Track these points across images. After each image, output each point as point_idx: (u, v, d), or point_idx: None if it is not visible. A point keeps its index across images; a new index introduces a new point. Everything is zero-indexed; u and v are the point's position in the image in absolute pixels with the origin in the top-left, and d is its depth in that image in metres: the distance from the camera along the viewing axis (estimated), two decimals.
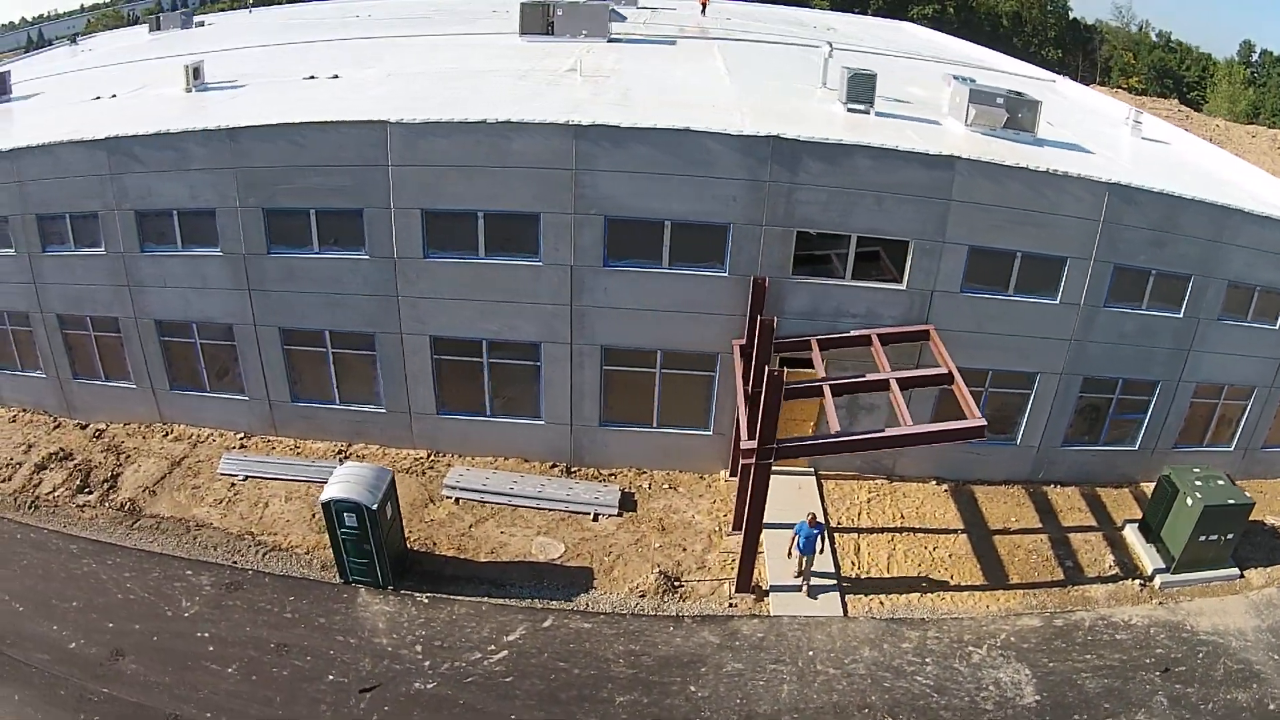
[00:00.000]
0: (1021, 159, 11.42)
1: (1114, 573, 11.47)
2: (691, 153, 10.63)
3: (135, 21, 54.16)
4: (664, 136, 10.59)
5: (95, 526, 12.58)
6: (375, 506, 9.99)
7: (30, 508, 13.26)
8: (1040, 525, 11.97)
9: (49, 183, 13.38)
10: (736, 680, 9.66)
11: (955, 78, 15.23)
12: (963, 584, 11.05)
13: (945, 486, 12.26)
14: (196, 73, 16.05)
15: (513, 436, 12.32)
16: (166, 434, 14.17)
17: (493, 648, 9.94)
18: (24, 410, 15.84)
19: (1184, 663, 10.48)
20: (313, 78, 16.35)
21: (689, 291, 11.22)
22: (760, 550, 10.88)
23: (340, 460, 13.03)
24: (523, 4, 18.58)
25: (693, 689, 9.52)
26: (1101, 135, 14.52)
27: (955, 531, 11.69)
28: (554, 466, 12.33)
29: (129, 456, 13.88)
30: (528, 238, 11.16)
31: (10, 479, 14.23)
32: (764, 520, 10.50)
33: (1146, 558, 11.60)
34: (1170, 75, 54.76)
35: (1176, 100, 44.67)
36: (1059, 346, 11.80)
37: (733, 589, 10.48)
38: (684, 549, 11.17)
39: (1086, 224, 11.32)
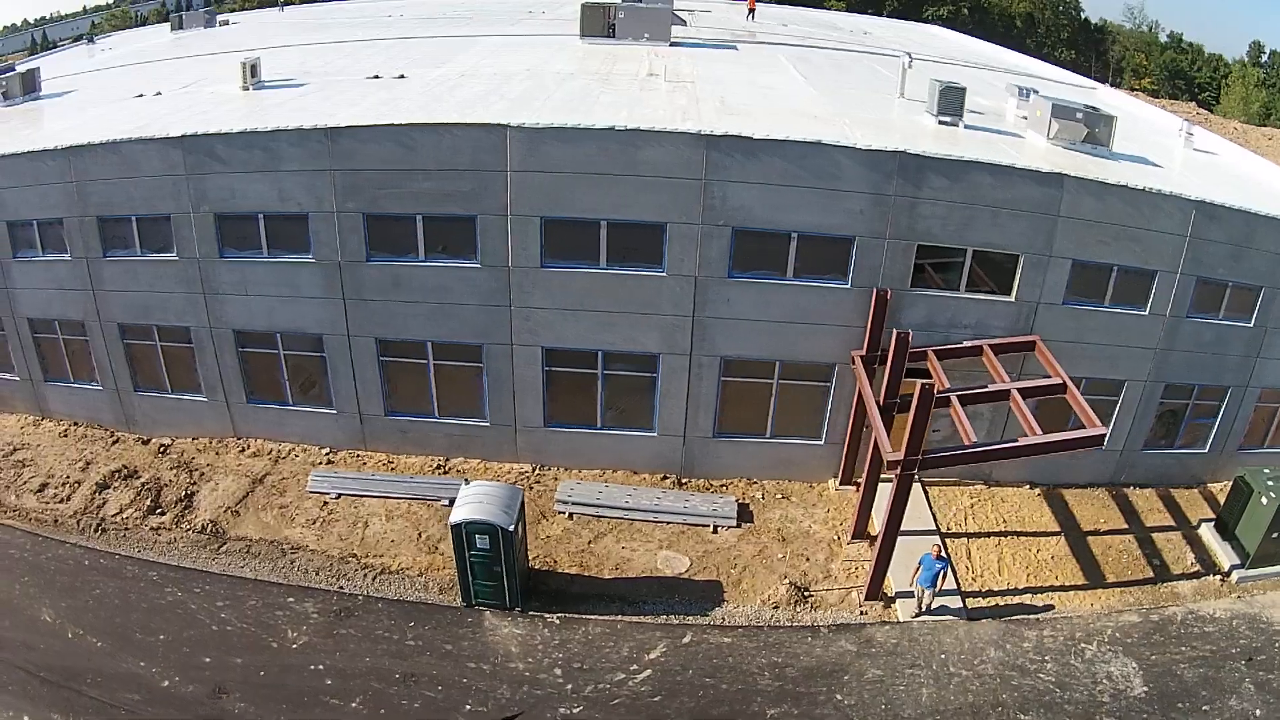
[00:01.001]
0: (1109, 175, 11.63)
1: (1196, 569, 11.88)
2: (821, 166, 10.40)
3: (143, 21, 52.31)
4: (796, 149, 10.32)
5: (175, 550, 11.54)
6: (512, 528, 9.44)
7: (97, 530, 12.10)
8: (1125, 526, 12.29)
9: (113, 183, 12.17)
10: (878, 686, 9.55)
11: (1019, 89, 15.44)
12: (1066, 584, 11.24)
13: (1038, 490, 12.45)
14: (254, 70, 14.92)
15: (622, 449, 11.88)
16: (243, 449, 13.10)
17: (635, 667, 9.52)
18: (75, 424, 14.47)
19: (1264, 651, 10.94)
20: (377, 77, 15.40)
21: (810, 303, 11.01)
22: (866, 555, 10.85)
23: (441, 474, 12.27)
24: (584, 5, 18.01)
25: (839, 698, 9.38)
26: (1161, 147, 14.93)
27: (1053, 534, 11.88)
28: (665, 478, 11.95)
29: (203, 474, 12.80)
30: (651, 248, 10.73)
31: (69, 499, 12.94)
32: (879, 527, 10.45)
33: (1223, 554, 12.04)
34: (1182, 76, 54.48)
35: (1194, 104, 44.24)
36: (1145, 355, 12.11)
37: (862, 596, 10.37)
38: (807, 559, 10.99)
39: (1175, 239, 11.62)
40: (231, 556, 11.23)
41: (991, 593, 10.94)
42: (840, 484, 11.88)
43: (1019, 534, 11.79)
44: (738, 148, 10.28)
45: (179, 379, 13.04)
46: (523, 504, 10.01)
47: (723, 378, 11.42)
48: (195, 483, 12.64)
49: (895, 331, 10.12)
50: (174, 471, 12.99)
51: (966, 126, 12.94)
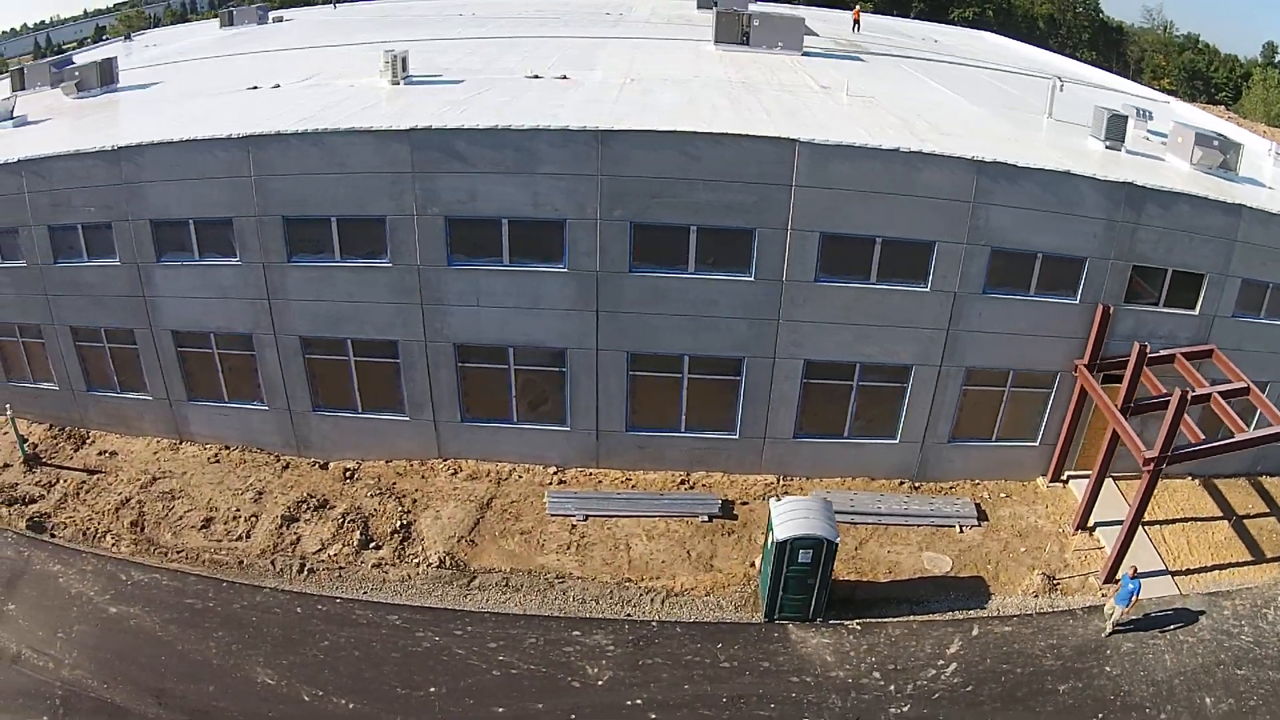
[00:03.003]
0: (1249, 199, 12.88)
1: None
2: (1067, 193, 11.18)
3: (156, 22, 49.01)
4: (1048, 177, 11.06)
5: (413, 589, 10.46)
6: (836, 540, 9.41)
7: (301, 572, 10.76)
8: (1268, 510, 13.98)
9: (307, 179, 10.88)
10: (1133, 657, 10.63)
11: (1138, 110, 16.45)
12: (1239, 561, 12.78)
13: (1196, 481, 13.82)
14: (404, 64, 13.56)
15: (864, 456, 12.22)
16: (454, 472, 12.07)
17: (941, 662, 10.00)
18: (226, 448, 12.70)
19: None
20: (537, 77, 14.55)
21: (1045, 316, 11.83)
22: (1099, 545, 11.50)
23: (687, 489, 11.79)
24: (719, 13, 18.05)
25: (1108, 669, 10.34)
26: (1260, 169, 16.39)
27: (1219, 519, 13.48)
28: (901, 483, 12.26)
29: (415, 501, 11.68)
30: (917, 265, 11.12)
31: (248, 535, 11.29)
32: (1092, 519, 11.07)
33: None
34: (1200, 77, 54.43)
35: (1223, 108, 44.99)
36: None
37: (1100, 580, 11.21)
38: (1044, 551, 11.79)
39: None
40: (488, 591, 10.38)
41: (1188, 571, 12.22)
42: (1049, 481, 12.72)
43: (1194, 519, 13.16)
44: (1002, 174, 10.84)
45: (375, 397, 11.83)
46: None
47: (964, 386, 11.81)
48: (409, 511, 11.47)
49: (1136, 344, 11.01)
50: (376, 500, 11.67)
51: (1128, 151, 13.92)
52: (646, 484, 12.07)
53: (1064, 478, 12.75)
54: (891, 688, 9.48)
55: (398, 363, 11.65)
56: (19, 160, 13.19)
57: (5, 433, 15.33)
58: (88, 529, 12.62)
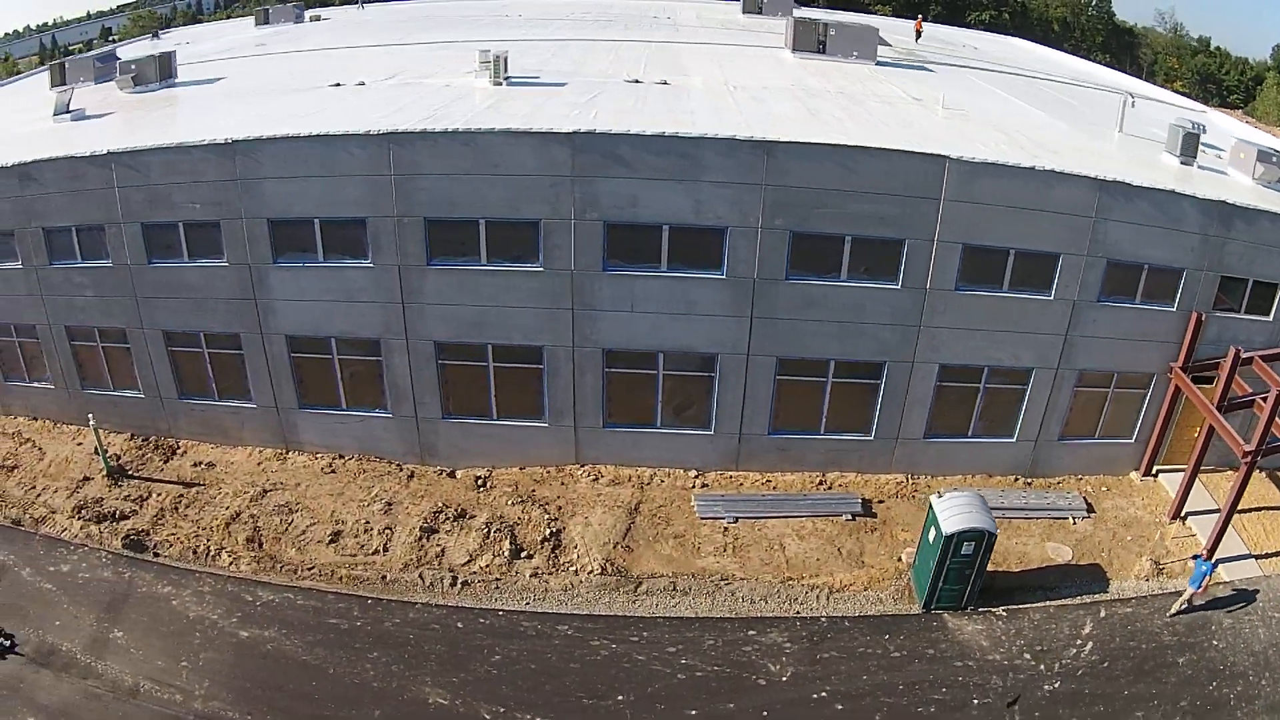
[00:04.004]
0: None
1: None
2: (1172, 210, 12.73)
3: (169, 22, 49.41)
4: (1160, 195, 12.63)
5: (578, 598, 10.99)
6: (996, 532, 10.23)
7: (454, 585, 11.05)
8: None
9: (455, 179, 11.28)
10: (1233, 632, 12.26)
11: (1192, 124, 17.42)
12: None
13: (1264, 473, 15.27)
14: (505, 65, 13.77)
15: (984, 454, 13.47)
16: (594, 478, 12.69)
17: (1079, 642, 11.33)
18: (339, 457, 12.59)
19: None
20: (638, 81, 14.91)
21: (1146, 323, 13.37)
22: (1192, 533, 12.66)
23: (825, 489, 12.41)
24: (797, 20, 19.15)
25: (1214, 642, 11.93)
26: None
27: None
28: (1016, 480, 13.36)
29: (560, 508, 12.08)
30: (1044, 275, 12.45)
31: (385, 549, 11.37)
32: (1185, 509, 12.19)
33: None
34: (1212, 80, 55.80)
35: (1241, 112, 46.50)
36: None
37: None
38: (1146, 539, 13.11)
39: None
40: (655, 596, 11.06)
41: (1268, 554, 13.71)
42: (1142, 475, 13.94)
43: (1268, 508, 14.57)
44: (1120, 192, 12.26)
45: (514, 403, 12.25)
46: None
47: (1075, 388, 12.78)
48: (555, 519, 11.91)
49: (1232, 348, 12.27)
50: (518, 508, 11.96)
51: (1200, 167, 15.35)
52: (785, 485, 12.98)
53: (1154, 472, 14.32)
54: (1041, 667, 10.72)
55: (540, 368, 11.99)
56: (108, 153, 12.70)
57: (79, 443, 14.57)
58: (197, 546, 12.30)
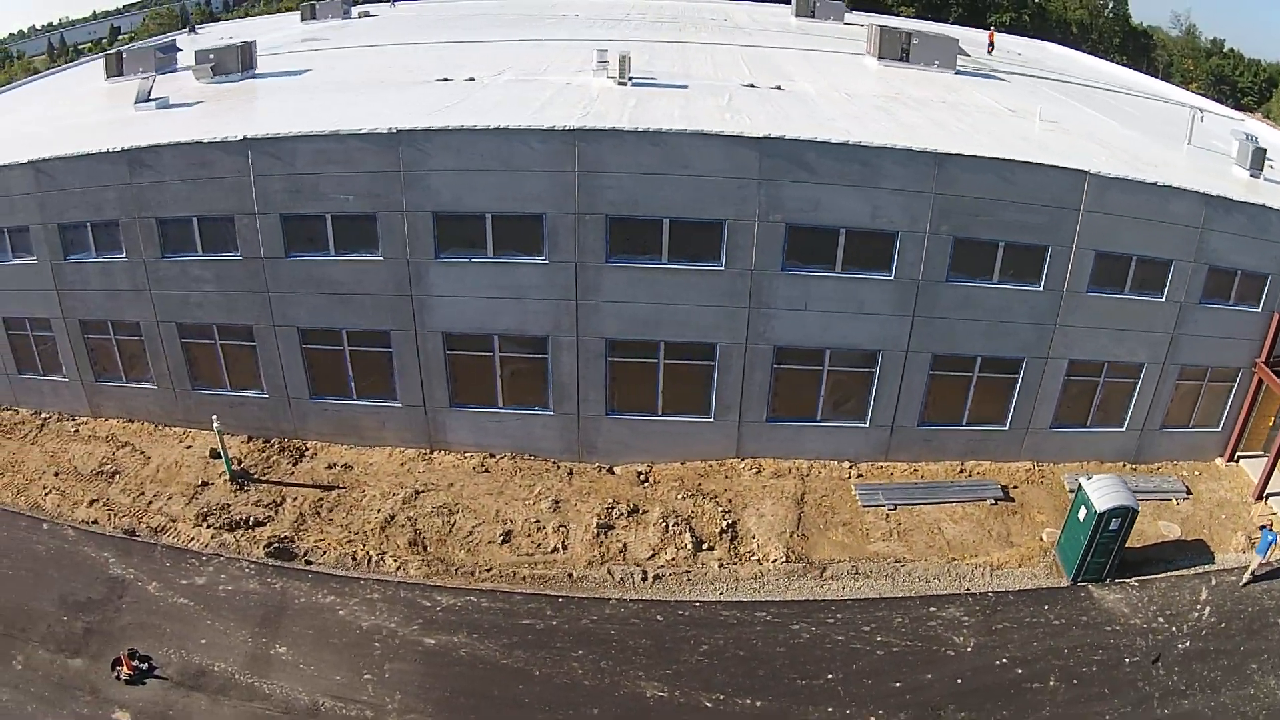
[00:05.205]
0: None
1: None
2: (1262, 222, 14.96)
3: (185, 19, 48.93)
4: (1254, 209, 14.90)
5: (768, 586, 12.08)
6: (1138, 509, 11.32)
7: (645, 579, 12.01)
8: None
9: (641, 179, 12.13)
10: None
11: (1245, 135, 19.81)
12: None
13: None
14: (629, 65, 14.44)
15: (1097, 442, 15.44)
16: (756, 471, 13.61)
17: (1199, 607, 13.40)
18: (491, 455, 12.79)
19: None
20: (754, 86, 15.71)
21: (1237, 322, 15.61)
22: (1274, 512, 14.57)
23: (966, 477, 13.39)
24: (881, 29, 20.81)
25: None
26: None
27: None
28: (1123, 465, 14.78)
29: (731, 500, 12.68)
30: (1158, 279, 14.48)
31: (564, 546, 11.86)
32: (1268, 490, 13.96)
33: None
34: (1226, 81, 57.98)
35: (1261, 115, 48.54)
36: None
37: None
38: (1236, 517, 14.93)
39: None
40: (842, 580, 12.25)
41: None
42: (1226, 461, 15.87)
43: None
44: (1222, 205, 14.42)
45: (680, 400, 13.23)
46: None
47: (1177, 381, 14.23)
48: (729, 511, 12.61)
49: None
50: (689, 501, 12.78)
51: (1266, 179, 17.70)
52: (930, 474, 14.24)
53: (1236, 458, 16.62)
54: (1173, 629, 12.67)
55: (711, 365, 12.76)
56: (244, 139, 12.33)
57: (188, 446, 13.85)
58: (354, 552, 12.05)
